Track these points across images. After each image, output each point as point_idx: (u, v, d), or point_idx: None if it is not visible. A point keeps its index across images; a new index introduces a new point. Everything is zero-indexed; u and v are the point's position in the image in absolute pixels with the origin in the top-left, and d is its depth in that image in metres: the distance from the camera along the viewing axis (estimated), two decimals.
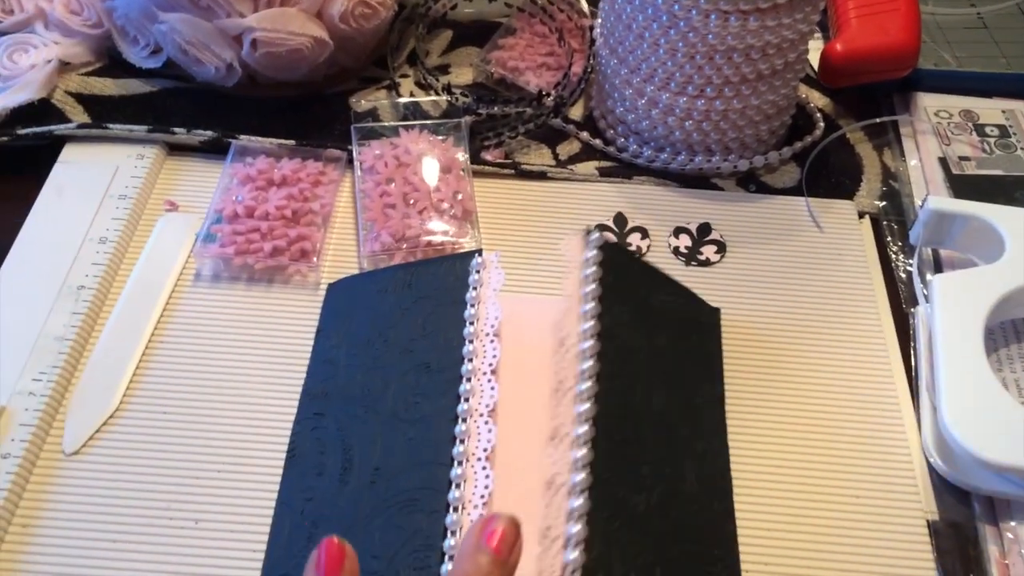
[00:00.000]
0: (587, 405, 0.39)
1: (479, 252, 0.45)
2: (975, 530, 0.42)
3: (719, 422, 0.43)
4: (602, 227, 0.53)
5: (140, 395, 0.44)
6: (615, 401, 0.40)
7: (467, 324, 0.43)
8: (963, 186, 0.55)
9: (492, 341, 0.42)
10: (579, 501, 0.37)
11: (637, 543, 0.38)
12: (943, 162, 0.57)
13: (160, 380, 0.45)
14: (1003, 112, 0.60)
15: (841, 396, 0.46)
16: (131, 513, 0.41)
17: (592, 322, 0.41)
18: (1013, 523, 0.42)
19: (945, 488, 0.43)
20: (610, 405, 0.40)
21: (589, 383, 0.40)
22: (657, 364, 0.43)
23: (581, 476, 0.37)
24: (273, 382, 0.45)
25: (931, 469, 0.44)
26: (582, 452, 0.38)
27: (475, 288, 0.44)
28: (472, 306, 0.43)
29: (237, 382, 0.45)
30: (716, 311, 0.47)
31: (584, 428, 0.39)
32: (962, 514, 0.43)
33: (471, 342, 0.42)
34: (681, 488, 0.40)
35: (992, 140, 0.58)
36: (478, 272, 0.44)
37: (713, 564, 0.39)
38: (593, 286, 0.42)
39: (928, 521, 0.42)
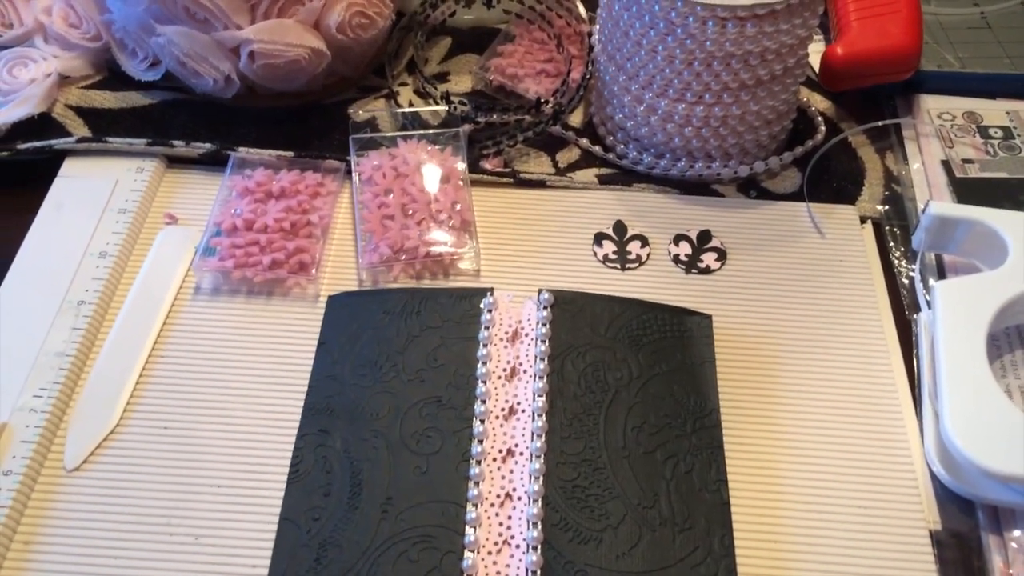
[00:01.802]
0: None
1: (491, 291, 0.47)
2: (979, 540, 0.42)
3: (713, 432, 0.43)
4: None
5: (140, 410, 0.44)
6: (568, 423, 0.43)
7: (480, 364, 0.45)
8: (967, 189, 0.55)
9: (504, 385, 0.44)
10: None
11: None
12: (946, 165, 0.56)
13: (160, 395, 0.45)
14: (1007, 113, 0.60)
15: (842, 403, 0.46)
16: (132, 529, 0.41)
17: (543, 381, 0.44)
18: (1018, 532, 0.42)
19: (948, 497, 0.43)
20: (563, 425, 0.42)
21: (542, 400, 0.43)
22: (632, 385, 0.44)
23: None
24: (274, 396, 0.45)
25: (934, 478, 0.43)
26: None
27: (487, 328, 0.45)
28: (485, 347, 0.45)
29: (237, 396, 0.45)
30: (707, 319, 0.47)
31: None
32: (965, 524, 0.42)
33: (484, 383, 0.44)
34: (659, 510, 0.41)
35: (996, 142, 0.58)
36: (490, 312, 0.46)
37: (705, 563, 0.39)
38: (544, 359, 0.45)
39: (931, 531, 0.42)
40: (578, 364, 0.45)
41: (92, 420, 0.43)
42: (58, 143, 0.53)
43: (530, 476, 0.41)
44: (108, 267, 0.49)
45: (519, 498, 0.41)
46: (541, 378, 0.44)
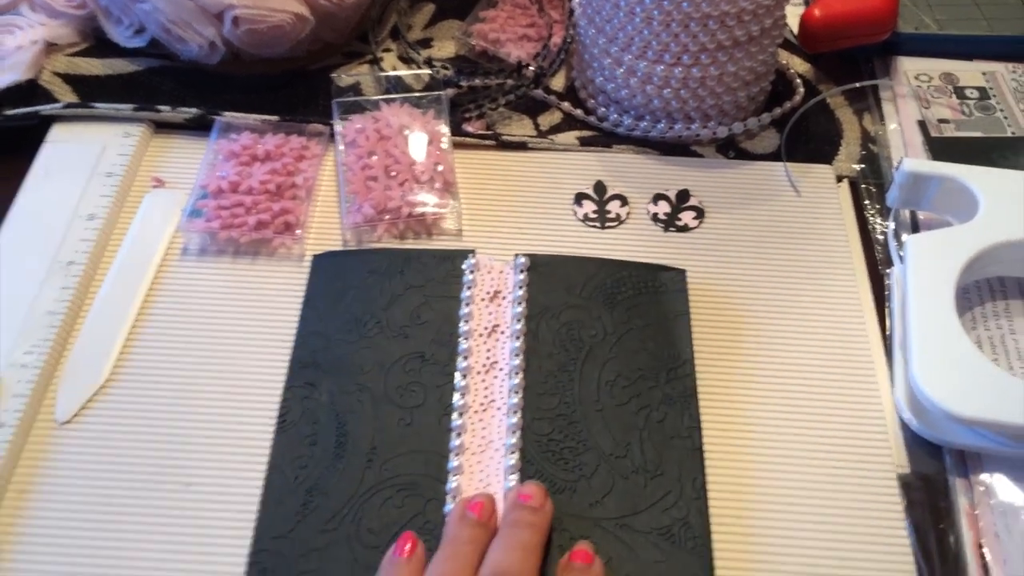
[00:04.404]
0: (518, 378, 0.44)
1: (473, 253, 0.48)
2: (946, 483, 0.43)
3: (686, 381, 0.44)
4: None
5: (130, 366, 0.45)
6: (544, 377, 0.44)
7: (462, 322, 0.46)
8: (942, 148, 0.56)
9: (485, 341, 0.45)
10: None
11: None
12: (922, 125, 0.57)
13: (149, 351, 0.46)
14: (983, 74, 0.61)
15: (815, 355, 0.47)
16: (123, 478, 0.42)
17: (520, 340, 0.45)
18: (984, 475, 0.43)
19: (916, 443, 0.44)
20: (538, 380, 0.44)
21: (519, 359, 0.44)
22: (606, 340, 0.45)
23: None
24: (261, 351, 0.46)
25: (903, 425, 0.45)
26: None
27: (469, 288, 0.47)
28: (467, 306, 0.46)
29: (225, 352, 0.46)
30: (681, 273, 0.48)
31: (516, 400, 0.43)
32: (933, 468, 0.44)
33: (466, 340, 0.45)
34: (632, 458, 0.42)
35: (972, 102, 0.59)
36: (472, 273, 0.47)
37: (676, 506, 0.41)
38: (521, 318, 0.46)
39: (899, 474, 0.43)
40: (553, 324, 0.46)
41: (82, 375, 0.44)
42: (45, 109, 0.54)
43: (507, 430, 0.42)
44: (96, 229, 0.49)
45: (497, 450, 0.42)
46: (518, 338, 0.45)
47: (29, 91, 0.55)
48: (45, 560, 0.39)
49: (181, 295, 0.48)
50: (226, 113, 0.54)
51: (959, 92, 0.59)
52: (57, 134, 0.54)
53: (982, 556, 0.41)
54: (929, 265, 0.46)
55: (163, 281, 0.49)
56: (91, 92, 0.56)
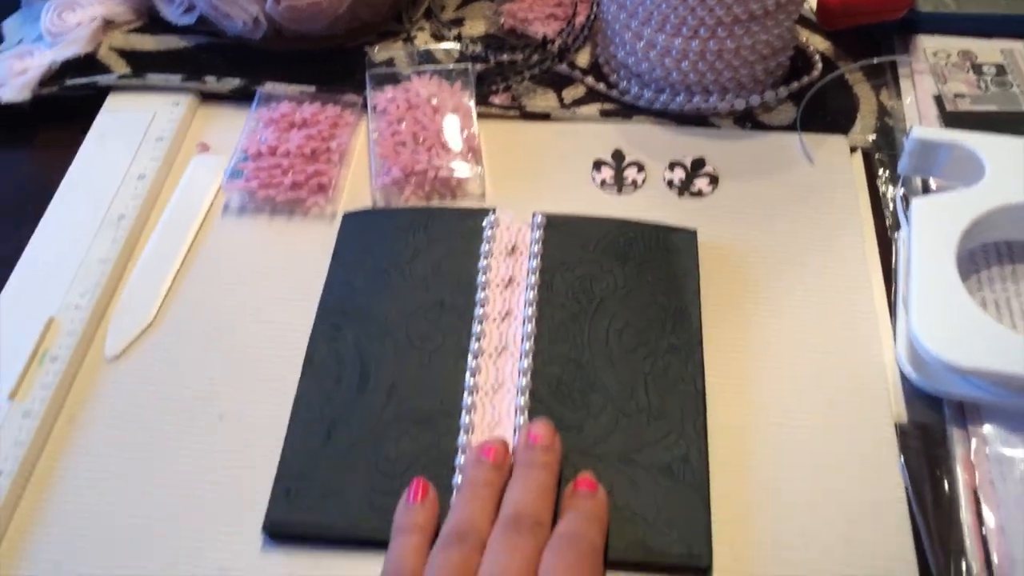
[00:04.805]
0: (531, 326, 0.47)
1: (493, 211, 0.51)
2: (944, 433, 0.44)
3: (692, 332, 0.46)
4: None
5: (174, 309, 0.49)
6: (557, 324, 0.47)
7: (480, 274, 0.48)
8: (956, 122, 0.57)
9: (502, 292, 0.48)
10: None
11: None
12: (938, 100, 0.59)
13: (192, 296, 0.50)
14: (1001, 51, 0.62)
15: (820, 313, 0.48)
16: (164, 408, 0.45)
17: (534, 292, 0.48)
18: (982, 426, 0.44)
19: (916, 396, 0.45)
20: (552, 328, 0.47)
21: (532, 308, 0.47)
22: (616, 293, 0.48)
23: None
24: (292, 299, 0.49)
25: (904, 380, 0.46)
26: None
27: (488, 243, 0.49)
28: (485, 259, 0.49)
29: (260, 299, 0.49)
30: (692, 233, 0.50)
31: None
32: (931, 419, 0.45)
33: (483, 290, 0.48)
34: (636, 400, 0.44)
35: (988, 78, 0.60)
36: (491, 229, 0.50)
37: (677, 444, 0.43)
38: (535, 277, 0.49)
39: (897, 424, 0.44)
40: (567, 277, 0.48)
41: (130, 316, 0.48)
42: (102, 79, 0.59)
43: (519, 372, 0.45)
44: (146, 187, 0.53)
45: (509, 390, 0.45)
46: (532, 289, 0.48)
47: (88, 64, 0.60)
48: (92, 482, 0.43)
49: (222, 248, 0.52)
50: (267, 84, 0.58)
51: (976, 68, 0.60)
52: (112, 103, 0.59)
53: (976, 502, 0.42)
54: (933, 225, 0.47)
55: (206, 235, 0.52)
56: (144, 65, 0.60)
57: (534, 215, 0.50)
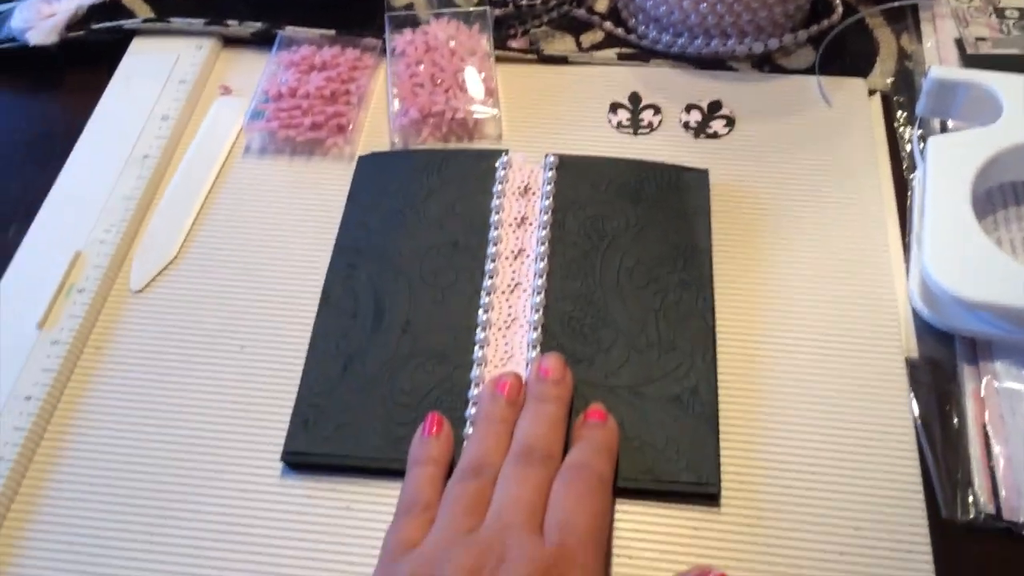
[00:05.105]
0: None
1: (506, 152, 0.51)
2: (954, 368, 0.45)
3: (703, 268, 0.47)
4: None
5: (197, 244, 0.50)
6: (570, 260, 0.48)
7: (493, 213, 0.49)
8: (977, 65, 0.56)
9: (514, 231, 0.48)
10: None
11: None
12: (959, 43, 0.58)
13: (214, 232, 0.51)
14: None
15: (833, 251, 0.49)
16: (187, 339, 0.47)
17: (546, 231, 0.48)
18: (993, 361, 0.44)
19: (928, 332, 0.46)
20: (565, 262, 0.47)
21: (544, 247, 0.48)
22: (628, 232, 0.48)
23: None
24: (309, 237, 0.50)
25: (916, 316, 0.46)
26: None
27: (501, 183, 0.50)
28: (498, 199, 0.49)
29: (279, 236, 0.50)
30: (704, 172, 0.50)
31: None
32: (942, 354, 0.45)
33: (496, 229, 0.48)
34: (647, 335, 0.45)
35: (1011, 22, 0.59)
36: (504, 170, 0.50)
37: (687, 377, 0.43)
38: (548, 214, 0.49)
39: (907, 358, 0.45)
40: (578, 216, 0.49)
41: (155, 251, 0.49)
42: (127, 23, 0.60)
43: (531, 308, 0.46)
44: (169, 127, 0.54)
45: (521, 326, 0.45)
46: (544, 228, 0.48)
47: (113, 8, 0.61)
48: (117, 407, 0.45)
49: (243, 187, 0.53)
50: (288, 27, 0.59)
51: (999, 12, 0.60)
52: (137, 46, 0.60)
53: (985, 435, 0.43)
54: (948, 163, 0.47)
55: (227, 174, 0.53)
56: (168, 10, 0.61)
57: (546, 156, 0.51)
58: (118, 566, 0.40)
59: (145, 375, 0.45)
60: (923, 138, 0.53)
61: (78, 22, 0.60)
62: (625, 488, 0.41)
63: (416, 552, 0.36)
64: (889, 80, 0.57)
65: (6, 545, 0.41)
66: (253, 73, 0.58)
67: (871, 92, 0.56)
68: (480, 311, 0.46)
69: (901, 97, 0.56)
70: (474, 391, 0.43)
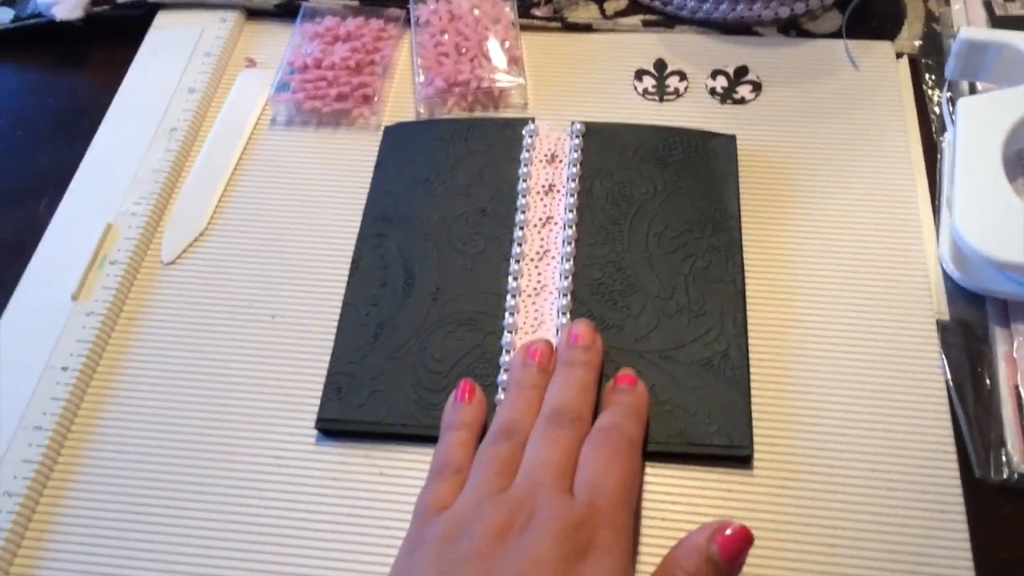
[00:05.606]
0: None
1: (532, 120, 0.51)
2: (985, 330, 0.45)
3: (732, 233, 0.47)
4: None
5: (227, 215, 0.51)
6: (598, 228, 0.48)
7: (520, 181, 0.49)
8: (1005, 26, 0.56)
9: (542, 199, 0.48)
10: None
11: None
12: (987, 4, 0.57)
13: (243, 203, 0.51)
14: None
15: (862, 215, 0.48)
16: (218, 310, 0.47)
17: (574, 198, 0.48)
18: None
19: (958, 294, 0.46)
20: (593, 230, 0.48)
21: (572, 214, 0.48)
22: (656, 198, 0.48)
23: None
24: (338, 207, 0.50)
25: (947, 279, 0.46)
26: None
27: (528, 151, 0.50)
28: (525, 167, 0.49)
29: (307, 206, 0.51)
30: (731, 138, 0.50)
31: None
32: (973, 316, 0.45)
33: (524, 196, 0.48)
34: (676, 300, 0.45)
35: None
36: (531, 138, 0.50)
37: (717, 341, 0.43)
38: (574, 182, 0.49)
39: (938, 320, 0.45)
40: (606, 183, 0.49)
41: (185, 223, 0.50)
42: None
43: (560, 275, 0.46)
44: (196, 101, 0.55)
45: (551, 292, 0.46)
46: (572, 195, 0.48)
47: None
48: (152, 378, 0.45)
49: (270, 158, 0.53)
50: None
51: None
52: (162, 20, 0.60)
53: (1018, 396, 0.42)
54: (978, 123, 0.47)
55: (255, 146, 0.54)
56: None
57: (572, 123, 0.51)
58: (158, 531, 0.41)
59: (178, 346, 0.46)
60: (952, 100, 0.52)
61: None
62: (658, 452, 0.41)
63: (447, 513, 0.36)
64: (917, 43, 0.56)
65: (55, 498, 0.41)
66: (278, 45, 0.58)
67: (899, 55, 0.56)
68: (510, 278, 0.46)
69: (929, 60, 0.55)
70: (505, 358, 0.44)
